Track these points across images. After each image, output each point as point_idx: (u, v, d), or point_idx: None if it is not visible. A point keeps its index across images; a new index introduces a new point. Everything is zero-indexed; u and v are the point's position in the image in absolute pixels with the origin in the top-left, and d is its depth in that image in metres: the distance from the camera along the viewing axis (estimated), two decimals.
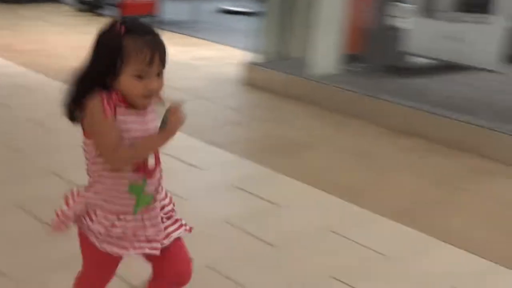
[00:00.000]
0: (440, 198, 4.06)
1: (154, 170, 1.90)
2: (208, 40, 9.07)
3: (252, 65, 6.67)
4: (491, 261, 3.23)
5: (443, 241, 3.39)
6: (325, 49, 6.27)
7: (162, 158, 1.93)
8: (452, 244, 3.37)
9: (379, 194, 4.03)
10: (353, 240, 3.31)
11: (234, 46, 8.40)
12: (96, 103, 1.76)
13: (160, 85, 1.81)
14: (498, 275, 3.14)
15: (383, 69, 6.31)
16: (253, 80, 6.54)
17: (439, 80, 6.42)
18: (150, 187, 1.90)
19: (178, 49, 7.97)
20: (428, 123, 5.23)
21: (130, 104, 1.81)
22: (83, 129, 1.84)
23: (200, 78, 6.84)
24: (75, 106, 1.82)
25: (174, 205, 2.04)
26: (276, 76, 6.38)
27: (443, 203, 3.98)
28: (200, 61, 7.67)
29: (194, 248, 2.10)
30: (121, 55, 1.74)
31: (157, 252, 1.94)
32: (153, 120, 1.88)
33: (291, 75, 6.28)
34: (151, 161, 1.87)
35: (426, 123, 5.24)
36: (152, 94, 1.81)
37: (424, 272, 3.08)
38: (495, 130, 4.90)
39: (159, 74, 1.80)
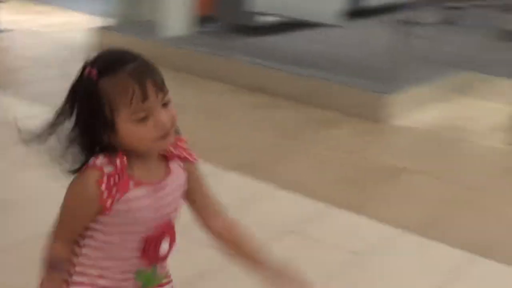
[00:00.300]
0: (282, 149, 4.29)
1: (167, 255, 1.53)
2: (55, 6, 8.76)
3: (103, 30, 6.58)
4: (326, 203, 3.48)
5: (283, 188, 3.61)
6: (176, 10, 6.32)
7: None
8: (291, 190, 3.59)
9: (224, 149, 4.19)
10: None
11: (83, 12, 8.19)
12: (90, 187, 1.38)
13: (172, 115, 1.41)
14: (333, 216, 3.38)
15: (234, 29, 6.42)
16: (104, 45, 6.36)
17: (287, 37, 6.64)
18: (161, 270, 1.54)
19: (24, 18, 7.65)
20: (275, 79, 5.44)
21: (143, 159, 1.43)
22: None
23: (48, 46, 6.63)
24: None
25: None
26: (128, 39, 6.30)
27: (285, 154, 4.21)
28: (48, 28, 7.42)
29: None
30: (105, 105, 1.35)
31: None
32: (174, 191, 1.49)
33: (142, 38, 6.26)
34: (164, 246, 1.49)
35: (272, 80, 5.44)
36: (168, 130, 1.40)
37: (263, 218, 3.25)
38: (337, 82, 5.18)
39: (166, 104, 1.41)
